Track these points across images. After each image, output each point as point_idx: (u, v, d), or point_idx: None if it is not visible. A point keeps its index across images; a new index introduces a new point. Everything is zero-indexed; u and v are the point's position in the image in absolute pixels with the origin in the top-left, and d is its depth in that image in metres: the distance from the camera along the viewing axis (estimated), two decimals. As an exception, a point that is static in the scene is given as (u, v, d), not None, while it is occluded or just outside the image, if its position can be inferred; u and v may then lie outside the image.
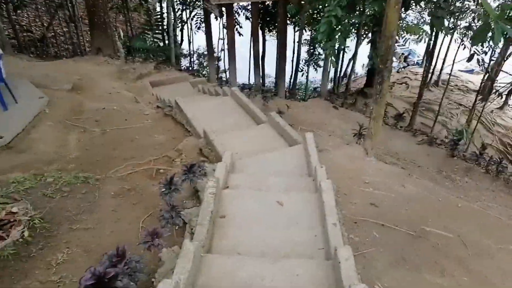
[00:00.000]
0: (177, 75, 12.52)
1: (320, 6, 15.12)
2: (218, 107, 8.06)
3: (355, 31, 10.11)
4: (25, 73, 9.86)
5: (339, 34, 7.71)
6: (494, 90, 19.64)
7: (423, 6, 13.65)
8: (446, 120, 18.36)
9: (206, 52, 24.62)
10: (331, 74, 24.32)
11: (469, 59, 9.82)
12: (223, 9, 10.72)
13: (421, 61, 25.50)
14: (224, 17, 12.01)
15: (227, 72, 20.00)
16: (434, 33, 10.25)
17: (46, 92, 8.78)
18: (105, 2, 12.14)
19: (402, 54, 27.26)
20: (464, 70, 24.41)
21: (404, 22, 17.32)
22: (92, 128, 7.86)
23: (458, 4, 8.84)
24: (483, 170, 6.65)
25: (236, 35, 21.02)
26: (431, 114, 16.45)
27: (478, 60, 10.68)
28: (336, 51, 7.91)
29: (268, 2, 19.07)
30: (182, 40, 23.34)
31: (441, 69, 20.03)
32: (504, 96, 19.03)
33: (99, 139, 7.42)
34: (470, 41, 9.28)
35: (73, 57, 12.96)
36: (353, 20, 7.71)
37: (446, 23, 7.48)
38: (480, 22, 8.08)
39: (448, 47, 8.44)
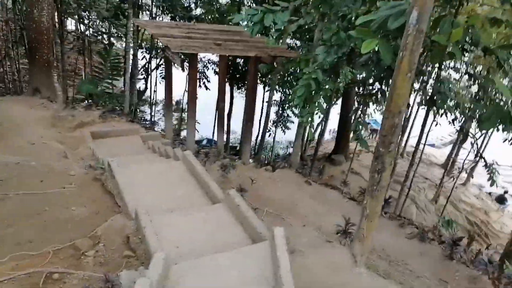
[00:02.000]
0: (127, 127, 10.81)
1: (293, 69, 14.54)
2: (165, 174, 6.37)
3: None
4: None
5: (319, 100, 6.54)
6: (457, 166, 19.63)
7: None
8: (414, 195, 17.59)
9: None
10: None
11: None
12: (186, 59, 9.49)
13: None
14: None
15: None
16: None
17: None
18: (50, 39, 10.57)
19: (367, 123, 27.32)
20: (426, 144, 24.65)
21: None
22: (-11, 192, 5.84)
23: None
24: (489, 280, 5.27)
25: (203, 89, 20.18)
26: (398, 186, 15.67)
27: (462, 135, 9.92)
28: (312, 119, 6.66)
29: (238, 59, 18.50)
30: (146, 89, 21.99)
31: (407, 141, 19.83)
32: (467, 172, 18.92)
33: (-7, 208, 5.41)
34: (477, 125, 8.50)
35: (3, 95, 10.97)
36: (335, 86, 6.62)
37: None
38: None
39: (425, 120, 7.58)
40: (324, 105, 6.83)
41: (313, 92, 6.38)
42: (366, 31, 4.97)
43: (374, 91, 6.30)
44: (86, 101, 12.15)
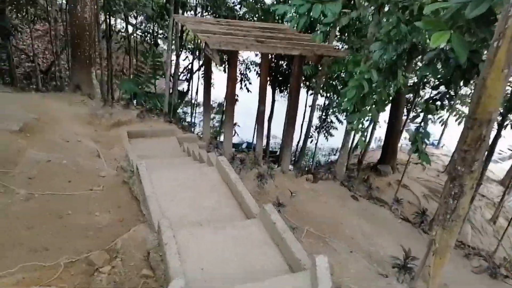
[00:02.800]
0: (164, 127, 10.48)
1: (340, 71, 13.61)
2: (195, 181, 5.81)
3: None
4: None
5: (373, 104, 5.68)
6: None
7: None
8: (470, 214, 15.87)
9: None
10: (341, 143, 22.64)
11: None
12: (225, 57, 8.98)
13: (437, 142, 23.75)
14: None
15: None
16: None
17: (-22, 131, 6.70)
18: (92, 36, 10.50)
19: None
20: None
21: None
22: (17, 188, 5.60)
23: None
24: None
25: (244, 91, 19.71)
26: None
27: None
28: (363, 126, 5.81)
29: (281, 61, 17.82)
30: (188, 90, 21.92)
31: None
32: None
33: (16, 207, 5.13)
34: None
35: (46, 92, 11.07)
36: (391, 89, 5.72)
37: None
38: None
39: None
40: (378, 111, 5.95)
41: (366, 95, 5.54)
42: (436, 21, 4.09)
43: (439, 96, 5.34)
44: (129, 100, 12.03)
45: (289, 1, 5.84)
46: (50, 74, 17.41)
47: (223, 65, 12.35)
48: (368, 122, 6.17)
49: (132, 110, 10.46)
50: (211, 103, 24.49)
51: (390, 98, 6.43)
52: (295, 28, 5.77)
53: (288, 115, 9.67)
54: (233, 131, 20.56)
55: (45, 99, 9.89)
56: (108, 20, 16.31)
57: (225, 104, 11.79)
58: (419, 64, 10.69)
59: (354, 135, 19.14)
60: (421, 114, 5.66)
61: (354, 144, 19.92)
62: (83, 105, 10.16)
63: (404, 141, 21.15)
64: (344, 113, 7.29)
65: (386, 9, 6.03)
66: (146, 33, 19.97)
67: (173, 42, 17.34)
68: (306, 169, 19.92)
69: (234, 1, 18.75)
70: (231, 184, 5.65)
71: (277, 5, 6.19)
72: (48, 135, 7.85)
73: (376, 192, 16.87)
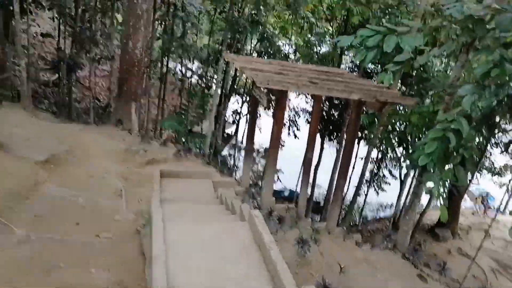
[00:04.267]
0: (201, 169, 9.62)
1: (400, 122, 12.21)
2: (220, 240, 4.66)
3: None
4: (6, 131, 7.52)
5: (459, 163, 4.31)
6: None
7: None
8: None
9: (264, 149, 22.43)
10: (393, 199, 20.43)
11: None
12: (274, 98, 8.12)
13: (501, 206, 20.68)
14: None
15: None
16: None
17: (1, 159, 6.20)
18: (141, 72, 10.25)
19: (480, 196, 22.62)
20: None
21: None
22: (17, 227, 4.81)
23: None
24: None
25: (291, 137, 18.75)
26: None
27: None
28: (444, 189, 4.39)
29: (333, 109, 16.78)
30: (236, 133, 21.46)
31: None
32: None
33: (5, 252, 4.27)
34: None
35: (87, 124, 10.84)
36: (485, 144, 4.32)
37: None
38: None
39: None
40: (466, 172, 4.53)
41: (451, 150, 4.22)
42: None
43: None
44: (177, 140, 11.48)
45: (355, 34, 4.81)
46: (108, 110, 17.87)
47: (270, 107, 11.52)
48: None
49: (169, 149, 9.78)
50: (258, 147, 23.93)
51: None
52: (359, 63, 4.71)
53: (341, 166, 8.38)
54: (276, 178, 19.45)
55: (82, 131, 9.54)
56: (164, 61, 16.61)
57: (269, 148, 10.79)
58: None
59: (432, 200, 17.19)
60: None
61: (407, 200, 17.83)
62: (121, 140, 9.68)
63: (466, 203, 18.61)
64: (414, 170, 5.88)
65: (479, 46, 4.81)
66: (201, 77, 20.21)
67: (223, 84, 17.17)
68: (354, 225, 18.03)
69: (288, 49, 18.52)
70: (264, 248, 4.42)
71: (340, 37, 5.20)
72: (73, 169, 7.24)
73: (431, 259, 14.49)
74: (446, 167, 4.35)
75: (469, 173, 7.80)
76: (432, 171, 4.42)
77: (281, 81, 6.69)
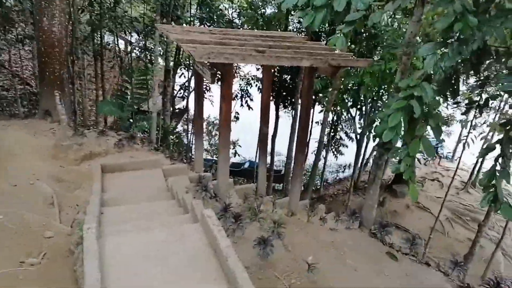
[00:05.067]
0: (148, 157, 8.74)
1: (352, 83, 11.88)
2: (169, 249, 4.01)
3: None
4: None
5: (425, 132, 3.89)
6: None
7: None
8: (499, 238, 13.94)
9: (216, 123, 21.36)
10: (351, 159, 20.75)
11: None
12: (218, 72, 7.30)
13: (452, 155, 21.86)
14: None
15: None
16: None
17: None
18: (63, 52, 8.88)
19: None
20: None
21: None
22: None
23: None
24: None
25: (246, 108, 18.04)
26: (475, 224, 12.44)
27: None
28: (414, 165, 3.97)
29: (285, 75, 16.17)
30: (186, 109, 20.26)
31: (480, 167, 16.23)
32: None
33: None
34: None
35: (9, 119, 9.41)
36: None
37: None
38: None
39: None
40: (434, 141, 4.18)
41: (416, 120, 3.78)
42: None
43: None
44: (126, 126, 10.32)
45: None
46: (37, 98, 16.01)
47: (217, 81, 10.67)
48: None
49: (108, 139, 8.73)
50: (213, 120, 22.99)
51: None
52: (309, 26, 4.05)
53: (298, 139, 7.89)
54: (233, 153, 18.91)
55: (3, 129, 8.22)
56: (96, 36, 14.92)
57: (218, 129, 10.07)
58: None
59: (367, 149, 17.25)
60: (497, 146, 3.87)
61: (364, 160, 18.18)
62: (51, 135, 8.47)
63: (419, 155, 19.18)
64: (376, 140, 5.52)
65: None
66: (142, 50, 18.56)
67: (166, 57, 15.85)
68: (316, 189, 18.10)
69: (232, 13, 17.33)
70: (220, 255, 3.84)
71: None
72: (-8, 178, 6.12)
73: (392, 216, 14.90)
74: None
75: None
76: (397, 146, 4.00)
77: (223, 53, 5.88)
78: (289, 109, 17.36)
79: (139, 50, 19.11)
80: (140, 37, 17.74)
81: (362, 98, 13.42)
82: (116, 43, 19.42)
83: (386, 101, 5.23)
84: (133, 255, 3.89)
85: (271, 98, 13.77)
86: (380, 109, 7.97)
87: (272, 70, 11.92)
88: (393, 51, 9.31)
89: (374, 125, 5.55)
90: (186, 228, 4.45)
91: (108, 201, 6.47)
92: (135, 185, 7.49)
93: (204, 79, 8.04)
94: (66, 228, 5.17)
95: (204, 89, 17.38)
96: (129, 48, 20.76)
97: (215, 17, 14.94)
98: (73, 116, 10.30)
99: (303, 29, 13.78)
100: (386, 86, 10.98)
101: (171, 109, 17.64)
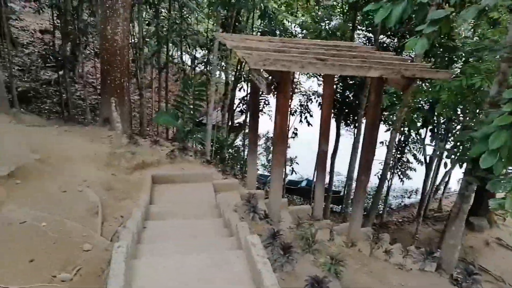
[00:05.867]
0: (200, 170, 8.42)
1: (425, 100, 10.67)
2: (207, 281, 3.44)
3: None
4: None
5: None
6: None
7: None
8: None
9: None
10: (418, 184, 18.88)
11: None
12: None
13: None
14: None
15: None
16: None
17: None
18: (125, 61, 9.00)
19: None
20: None
21: None
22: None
23: None
24: None
25: (305, 125, 17.32)
26: None
27: None
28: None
29: (347, 91, 15.23)
30: (244, 123, 20.14)
31: None
32: None
33: None
34: None
35: (71, 125, 9.73)
36: None
37: None
38: None
39: None
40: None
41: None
42: None
43: None
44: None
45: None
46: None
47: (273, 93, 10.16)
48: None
49: (162, 149, 8.59)
50: (270, 135, 22.52)
51: None
52: (380, 24, 3.34)
53: (362, 159, 7.03)
54: (290, 170, 18.17)
55: (63, 134, 8.44)
56: (163, 49, 15.38)
57: (272, 144, 9.49)
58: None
59: (437, 174, 15.47)
60: None
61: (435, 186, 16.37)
62: (108, 142, 8.53)
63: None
64: (460, 166, 4.50)
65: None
66: (205, 65, 18.89)
67: (225, 69, 15.83)
68: (378, 214, 16.62)
69: (295, 26, 16.92)
70: (265, 293, 3.18)
71: None
72: (44, 183, 6.12)
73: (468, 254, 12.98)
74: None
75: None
76: (499, 175, 3.08)
77: (280, 59, 5.34)
78: (351, 127, 16.34)
79: (203, 64, 19.51)
80: (205, 52, 18.06)
81: (435, 117, 12.09)
82: (181, 56, 20.02)
83: (477, 118, 4.29)
84: (166, 281, 3.39)
85: (332, 115, 12.99)
86: (472, 127, 6.82)
87: (334, 86, 11.19)
88: (478, 65, 8.11)
89: (460, 147, 4.57)
90: (227, 254, 3.88)
91: (155, 214, 6.19)
92: (184, 199, 7.18)
93: (261, 90, 7.56)
94: (105, 242, 4.88)
95: (263, 103, 17.09)
96: (189, 62, 21.36)
97: (277, 30, 14.63)
98: (130, 125, 10.41)
99: (372, 41, 12.91)
100: (467, 104, 9.63)
101: (230, 122, 17.57)
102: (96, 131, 9.10)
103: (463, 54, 9.96)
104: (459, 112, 10.62)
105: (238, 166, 13.12)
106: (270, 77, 6.39)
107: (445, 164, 5.60)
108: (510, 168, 3.38)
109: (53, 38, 16.81)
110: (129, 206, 6.42)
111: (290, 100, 13.18)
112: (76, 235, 4.90)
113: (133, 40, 13.70)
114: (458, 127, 11.97)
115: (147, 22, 13.28)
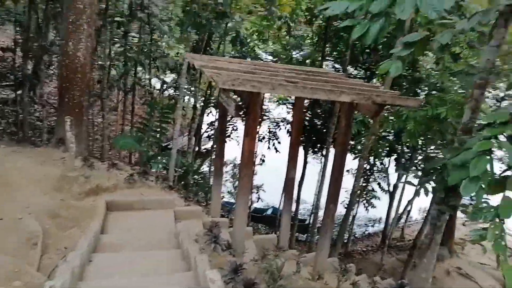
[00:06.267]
0: (161, 196, 7.85)
1: (391, 129, 10.77)
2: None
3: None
4: None
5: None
6: None
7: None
8: None
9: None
10: (381, 213, 18.98)
11: None
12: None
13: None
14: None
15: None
16: None
17: None
18: (86, 80, 8.47)
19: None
20: None
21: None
22: None
23: None
24: None
25: (272, 151, 17.12)
26: None
27: None
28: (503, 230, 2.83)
29: (316, 119, 15.27)
30: (211, 150, 19.63)
31: None
32: None
33: None
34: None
35: (20, 146, 8.90)
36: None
37: None
38: None
39: None
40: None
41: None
42: None
43: None
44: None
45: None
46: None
47: (241, 117, 9.91)
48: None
49: (121, 173, 7.97)
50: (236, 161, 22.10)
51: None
52: (355, 41, 3.16)
53: (330, 187, 6.76)
54: (257, 197, 17.75)
55: (11, 155, 7.66)
56: (131, 72, 14.86)
57: (239, 168, 9.13)
58: None
59: (400, 203, 15.62)
60: None
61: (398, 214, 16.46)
62: (61, 164, 7.81)
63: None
64: (433, 194, 4.32)
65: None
66: (174, 88, 18.46)
67: (193, 93, 15.51)
68: (343, 243, 16.38)
69: (265, 54, 17.04)
70: None
71: (329, 2, 3.60)
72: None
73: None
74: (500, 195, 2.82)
75: None
76: (481, 203, 2.88)
77: (251, 80, 5.09)
78: (319, 154, 16.30)
79: (172, 88, 19.07)
80: (174, 76, 17.70)
81: (399, 146, 12.29)
82: (149, 79, 19.53)
83: (450, 148, 4.17)
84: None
85: (300, 142, 12.86)
86: (437, 157, 6.83)
87: (304, 109, 11.14)
88: (443, 95, 8.32)
89: (434, 176, 4.42)
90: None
91: (105, 245, 5.56)
92: (141, 227, 6.57)
93: (228, 113, 7.25)
94: (42, 278, 4.21)
95: (231, 129, 16.79)
96: (164, 86, 20.88)
97: (248, 57, 14.62)
98: (88, 147, 9.71)
99: (340, 71, 13.13)
100: (431, 134, 9.80)
101: (197, 148, 17.06)
102: (49, 152, 8.34)
103: (428, 85, 10.24)
104: (421, 142, 10.83)
105: (203, 193, 12.55)
106: (239, 99, 6.13)
107: (417, 192, 5.45)
108: (486, 196, 3.20)
109: (14, 55, 15.93)
110: (76, 236, 5.74)
111: (258, 125, 13.01)
112: (7, 271, 4.20)
113: (100, 62, 13.16)
114: (420, 157, 12.23)
115: (114, 42, 12.82)
